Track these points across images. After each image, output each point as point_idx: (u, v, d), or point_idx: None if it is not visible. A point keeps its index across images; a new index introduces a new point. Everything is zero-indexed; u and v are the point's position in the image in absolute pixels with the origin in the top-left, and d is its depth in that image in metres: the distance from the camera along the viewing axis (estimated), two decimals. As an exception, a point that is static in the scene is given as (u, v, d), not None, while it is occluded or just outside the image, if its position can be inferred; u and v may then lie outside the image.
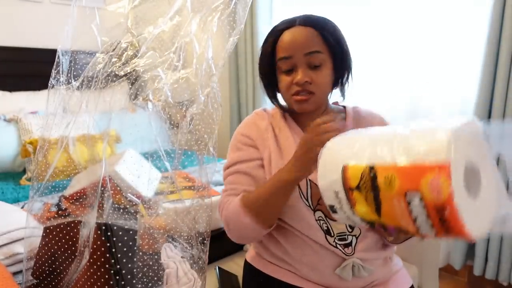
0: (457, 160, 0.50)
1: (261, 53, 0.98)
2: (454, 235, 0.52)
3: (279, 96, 1.03)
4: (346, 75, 0.98)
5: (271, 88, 1.01)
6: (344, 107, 1.06)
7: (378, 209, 0.58)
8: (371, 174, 0.57)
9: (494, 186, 0.56)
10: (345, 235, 0.92)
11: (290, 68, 0.92)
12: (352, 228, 0.93)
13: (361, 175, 0.59)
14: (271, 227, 0.92)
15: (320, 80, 0.91)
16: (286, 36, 0.92)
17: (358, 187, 0.59)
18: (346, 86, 1.00)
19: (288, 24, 0.94)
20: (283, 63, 0.93)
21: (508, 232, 0.56)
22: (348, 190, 0.61)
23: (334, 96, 1.04)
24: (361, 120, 1.02)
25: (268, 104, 1.08)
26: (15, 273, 0.95)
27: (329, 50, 0.92)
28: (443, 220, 0.50)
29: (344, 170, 0.62)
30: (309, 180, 0.92)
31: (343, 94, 1.02)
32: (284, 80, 0.94)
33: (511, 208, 0.55)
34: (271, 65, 0.96)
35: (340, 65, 0.94)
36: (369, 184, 0.58)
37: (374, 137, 0.63)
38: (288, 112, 1.03)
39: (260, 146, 0.98)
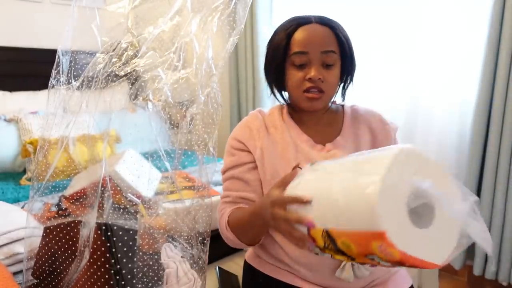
0: (393, 213, 0.52)
1: (272, 46, 0.97)
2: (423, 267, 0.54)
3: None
4: (349, 78, 1.00)
5: (276, 83, 1.01)
6: (342, 106, 1.06)
7: (351, 258, 0.60)
8: (330, 238, 0.59)
9: (452, 202, 0.55)
10: None
11: (303, 63, 0.92)
12: None
13: (323, 239, 0.61)
14: (255, 244, 0.95)
15: (331, 79, 0.92)
16: (303, 31, 0.92)
17: (326, 247, 0.61)
18: (347, 87, 1.02)
19: (303, 20, 0.94)
20: (297, 57, 0.92)
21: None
22: (319, 247, 0.63)
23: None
24: (359, 118, 1.02)
25: (267, 104, 1.09)
26: (15, 273, 0.95)
27: (340, 52, 0.93)
28: (406, 265, 0.53)
29: (308, 230, 0.63)
30: None
31: (343, 95, 1.03)
32: (295, 75, 0.93)
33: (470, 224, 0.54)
34: (282, 59, 0.94)
35: (347, 67, 0.96)
36: (332, 247, 0.60)
37: (321, 193, 0.63)
38: (289, 109, 1.03)
39: (251, 147, 0.98)
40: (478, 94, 1.78)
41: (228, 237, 0.93)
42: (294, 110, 1.03)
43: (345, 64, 0.95)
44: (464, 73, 1.88)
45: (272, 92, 1.03)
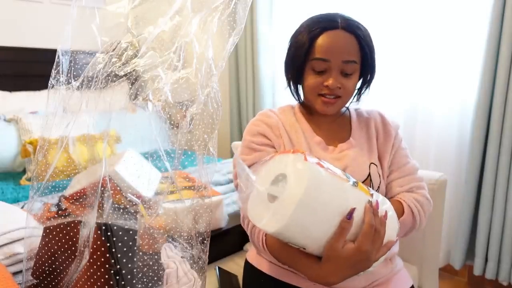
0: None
1: (294, 45, 0.96)
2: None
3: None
4: (367, 85, 1.01)
5: (293, 80, 1.01)
6: (347, 108, 1.07)
7: None
8: None
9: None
10: None
11: (323, 70, 0.92)
12: None
13: None
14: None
15: (349, 87, 0.93)
16: (327, 37, 0.91)
17: None
18: (363, 93, 1.03)
19: (330, 24, 0.92)
20: (317, 64, 0.92)
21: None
22: None
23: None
24: (364, 120, 1.03)
25: (268, 104, 1.09)
26: (15, 273, 0.95)
27: (362, 61, 0.94)
28: None
29: None
30: None
31: (358, 99, 1.04)
32: (313, 79, 0.93)
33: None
34: (303, 61, 0.94)
35: (366, 75, 0.97)
36: None
37: None
38: (302, 110, 1.04)
39: (276, 143, 0.98)
40: (478, 94, 1.78)
41: (262, 251, 0.91)
42: (307, 111, 1.03)
43: (364, 73, 0.96)
44: (464, 73, 1.88)
45: (289, 86, 1.03)
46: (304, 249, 0.72)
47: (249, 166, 0.97)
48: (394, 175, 1.00)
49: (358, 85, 1.01)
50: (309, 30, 0.93)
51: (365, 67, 0.96)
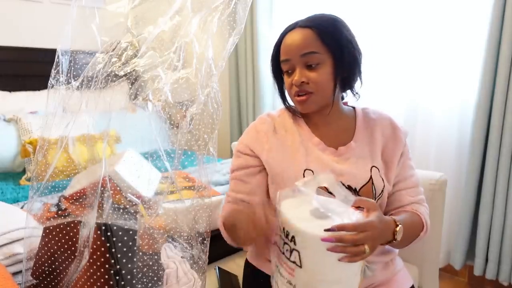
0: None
1: (271, 55, 1.02)
2: None
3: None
4: (352, 75, 0.96)
5: (281, 90, 1.05)
6: (354, 107, 1.06)
7: None
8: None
9: None
10: None
11: (290, 70, 0.95)
12: None
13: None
14: (249, 245, 0.98)
15: (317, 79, 0.92)
16: (286, 39, 0.95)
17: None
18: (355, 86, 1.00)
19: (291, 27, 0.96)
20: (284, 65, 0.96)
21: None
22: None
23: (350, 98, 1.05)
24: (370, 121, 1.02)
25: (267, 104, 1.10)
26: (15, 273, 0.95)
27: (328, 50, 0.92)
28: None
29: None
30: None
31: (354, 94, 1.02)
32: (286, 81, 0.97)
33: None
34: (277, 68, 1.00)
35: (341, 64, 0.93)
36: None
37: None
38: (299, 112, 1.04)
39: (258, 151, 1.00)
40: (478, 94, 1.78)
41: (224, 234, 0.98)
42: (302, 114, 1.03)
43: (339, 63, 0.93)
44: (464, 73, 1.88)
45: (280, 97, 1.06)
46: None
47: (233, 170, 1.03)
48: (401, 185, 1.01)
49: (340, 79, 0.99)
50: (279, 38, 0.98)
51: (337, 58, 0.92)
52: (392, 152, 0.99)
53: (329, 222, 0.69)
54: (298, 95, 0.94)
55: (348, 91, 1.01)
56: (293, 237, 0.70)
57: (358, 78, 0.98)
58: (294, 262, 0.71)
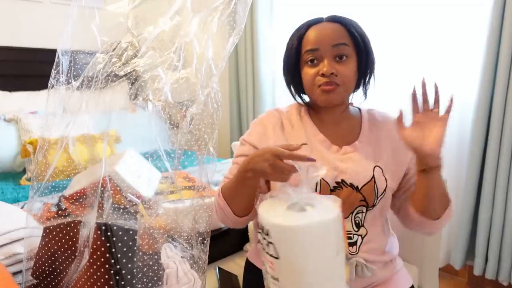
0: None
1: (286, 48, 1.00)
2: None
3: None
4: (369, 75, 0.99)
5: (294, 84, 1.02)
6: (359, 108, 1.06)
7: None
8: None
9: None
10: (351, 234, 0.92)
11: (315, 59, 0.93)
12: (358, 227, 0.93)
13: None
14: (245, 216, 0.93)
15: (345, 72, 0.92)
16: (313, 30, 0.94)
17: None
18: (368, 86, 1.01)
19: (314, 21, 0.96)
20: (309, 55, 0.93)
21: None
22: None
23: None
24: (376, 123, 1.02)
25: (268, 104, 1.09)
26: (15, 273, 0.95)
27: (354, 45, 0.94)
28: None
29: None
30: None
31: (365, 94, 1.03)
32: (308, 72, 0.94)
33: None
34: (295, 60, 0.97)
35: (364, 61, 0.96)
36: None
37: None
38: (308, 108, 1.03)
39: (261, 144, 0.98)
40: (478, 94, 1.78)
41: (219, 204, 0.93)
42: (313, 110, 1.03)
43: (361, 58, 0.95)
44: (464, 73, 1.88)
45: (291, 93, 1.04)
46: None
47: (236, 156, 1.03)
48: (407, 195, 1.00)
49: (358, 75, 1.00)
50: (297, 30, 0.97)
51: (360, 53, 0.95)
52: (404, 153, 0.98)
53: (303, 214, 0.73)
54: (326, 85, 0.92)
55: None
56: (267, 230, 0.73)
57: (372, 80, 1.01)
58: (272, 255, 0.73)
